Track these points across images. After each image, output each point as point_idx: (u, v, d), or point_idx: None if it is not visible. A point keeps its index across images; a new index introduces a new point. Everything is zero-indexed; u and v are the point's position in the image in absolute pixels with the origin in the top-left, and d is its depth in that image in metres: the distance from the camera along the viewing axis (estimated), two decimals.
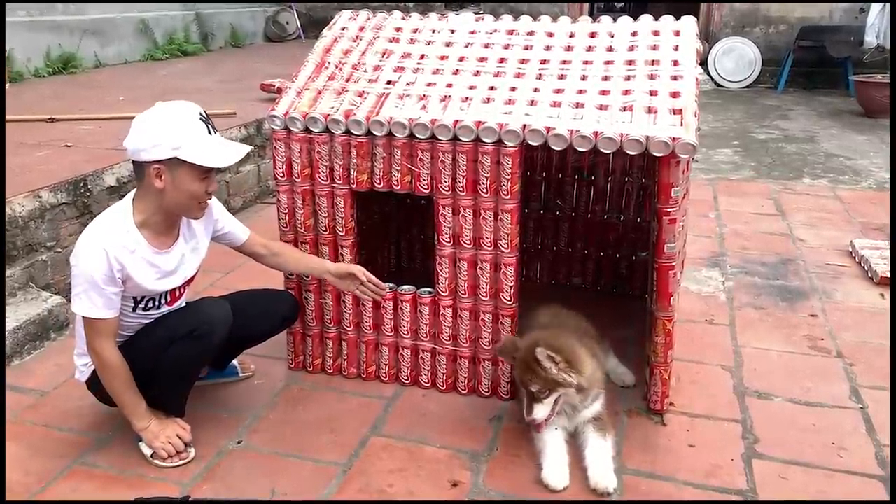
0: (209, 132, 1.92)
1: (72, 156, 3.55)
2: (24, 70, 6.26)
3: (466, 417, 2.27)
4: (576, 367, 1.96)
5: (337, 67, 2.40)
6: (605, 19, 2.52)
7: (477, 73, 2.30)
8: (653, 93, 2.09)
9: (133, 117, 1.94)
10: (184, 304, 2.15)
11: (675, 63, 2.21)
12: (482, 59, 2.36)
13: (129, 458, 2.07)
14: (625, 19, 2.50)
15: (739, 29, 8.74)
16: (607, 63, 2.27)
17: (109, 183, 3.30)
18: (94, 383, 2.08)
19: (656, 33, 2.38)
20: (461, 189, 2.15)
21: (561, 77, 2.24)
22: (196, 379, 2.20)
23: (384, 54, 2.44)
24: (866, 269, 3.33)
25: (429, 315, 2.34)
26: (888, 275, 3.18)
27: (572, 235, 3.14)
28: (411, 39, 2.50)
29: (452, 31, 2.52)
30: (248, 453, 2.11)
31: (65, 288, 2.97)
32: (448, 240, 2.23)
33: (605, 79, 2.20)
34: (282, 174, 2.33)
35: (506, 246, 2.17)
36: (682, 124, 1.96)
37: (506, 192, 2.11)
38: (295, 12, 10.04)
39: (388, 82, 2.30)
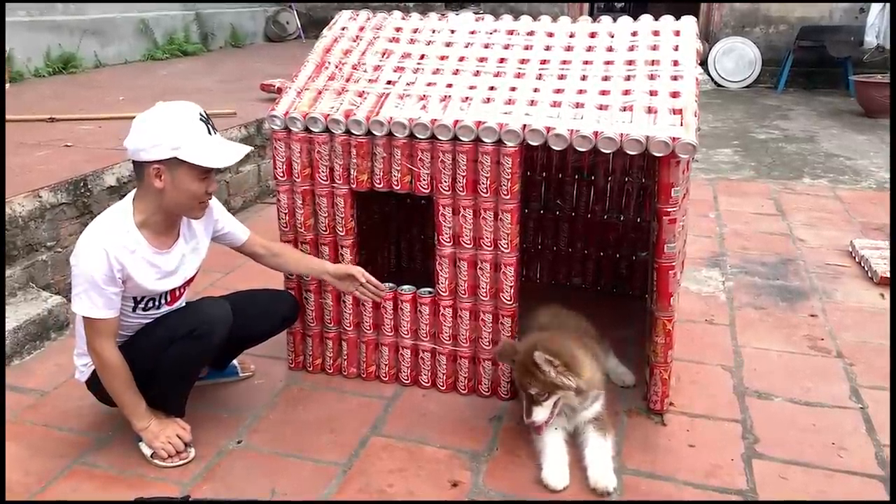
0: (209, 132, 1.92)
1: (72, 156, 3.55)
2: (24, 70, 6.26)
3: (466, 417, 2.27)
4: (574, 370, 1.96)
5: (337, 67, 2.40)
6: (605, 19, 2.52)
7: (477, 73, 2.30)
8: (653, 93, 2.09)
9: (133, 117, 1.94)
10: (184, 304, 2.15)
11: (675, 63, 2.22)
12: (482, 59, 2.36)
13: (129, 458, 2.07)
14: (625, 19, 2.50)
15: (739, 29, 8.74)
16: (607, 63, 2.27)
17: (109, 183, 3.30)
18: (94, 383, 2.08)
19: (656, 33, 2.38)
20: (461, 189, 2.16)
21: (561, 77, 2.24)
22: (196, 379, 2.20)
23: (384, 54, 2.44)
24: (866, 269, 3.33)
25: (429, 315, 2.34)
26: (888, 275, 3.18)
27: (572, 235, 3.14)
28: (411, 39, 2.50)
29: (452, 31, 2.52)
30: (248, 453, 2.11)
31: (65, 288, 2.97)
32: (448, 240, 2.23)
33: (605, 79, 2.20)
34: (282, 174, 2.33)
35: (506, 246, 2.17)
36: (682, 124, 1.96)
37: (506, 192, 2.12)
38: (295, 12, 10.04)
39: (388, 82, 2.30)
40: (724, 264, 3.47)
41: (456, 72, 2.32)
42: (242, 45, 9.42)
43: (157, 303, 2.06)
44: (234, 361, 2.47)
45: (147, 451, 2.06)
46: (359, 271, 2.27)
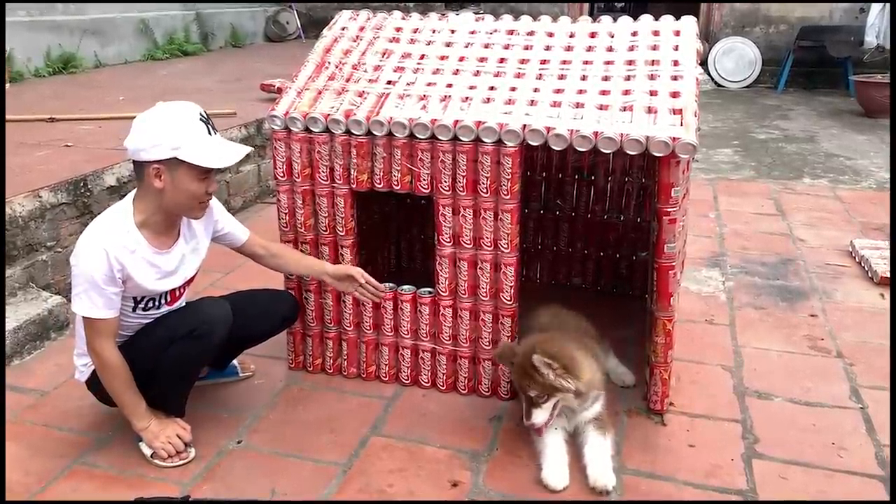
0: (209, 133, 1.92)
1: (72, 156, 3.55)
2: (24, 70, 6.26)
3: (466, 417, 2.27)
4: (573, 373, 1.95)
5: (337, 67, 2.40)
6: (606, 19, 2.52)
7: (477, 73, 2.30)
8: (653, 93, 2.09)
9: (133, 117, 1.94)
10: (184, 304, 2.15)
11: (676, 63, 2.22)
12: (482, 59, 2.36)
13: (129, 458, 2.07)
14: (625, 19, 2.50)
15: (739, 29, 8.74)
16: (607, 63, 2.27)
17: (109, 183, 3.30)
18: (94, 383, 2.08)
19: (656, 33, 2.38)
20: (461, 189, 2.16)
21: (561, 77, 2.24)
22: (196, 379, 2.20)
23: (384, 54, 2.44)
24: (866, 269, 3.33)
25: (429, 315, 2.34)
26: (888, 275, 3.18)
27: (572, 235, 3.14)
28: (411, 39, 2.50)
29: (452, 31, 2.52)
30: (248, 453, 2.11)
31: (65, 288, 2.97)
32: (448, 240, 2.23)
33: (605, 79, 2.20)
34: (282, 174, 2.33)
35: (506, 246, 2.17)
36: (682, 124, 1.96)
37: (506, 192, 2.12)
38: (295, 12, 10.04)
39: (389, 82, 2.30)
40: (724, 264, 3.47)
41: (456, 72, 2.32)
42: (242, 45, 9.42)
43: (157, 303, 2.06)
44: (234, 361, 2.47)
45: (147, 451, 2.06)
46: (358, 272, 2.27)
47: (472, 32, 2.50)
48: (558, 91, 2.17)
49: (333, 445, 2.13)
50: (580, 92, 2.15)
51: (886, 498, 1.92)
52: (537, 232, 3.18)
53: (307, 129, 2.25)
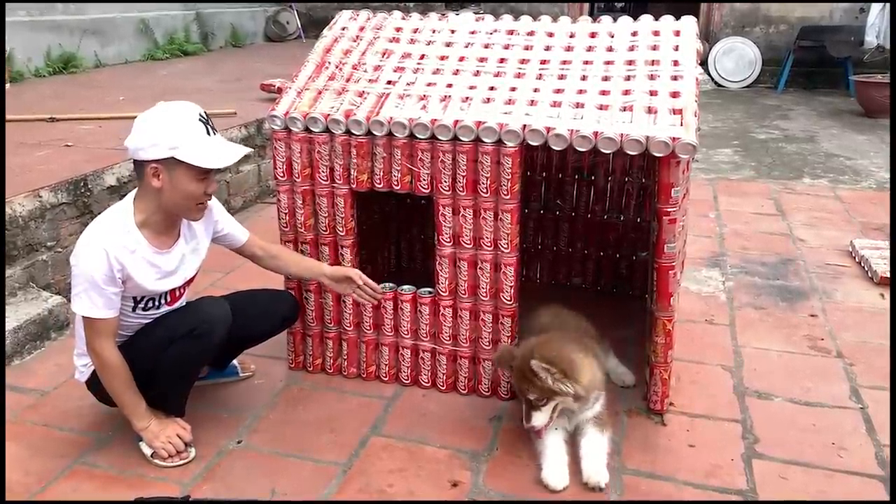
0: (208, 133, 1.92)
1: (72, 156, 3.55)
2: (24, 70, 6.26)
3: (466, 417, 2.27)
4: (572, 377, 1.95)
5: (337, 67, 2.40)
6: (606, 19, 2.52)
7: (477, 73, 2.30)
8: (653, 93, 2.09)
9: (133, 117, 1.94)
10: (184, 304, 2.15)
11: (676, 63, 2.22)
12: (482, 59, 2.36)
13: (130, 458, 2.07)
14: (625, 19, 2.50)
15: (739, 29, 8.74)
16: (607, 63, 2.27)
17: (110, 183, 3.30)
18: (93, 383, 2.08)
19: (656, 33, 2.38)
20: (461, 189, 2.16)
21: (561, 77, 2.24)
22: (196, 378, 2.20)
23: (384, 54, 2.44)
24: (866, 269, 3.33)
25: (429, 315, 2.34)
26: (888, 275, 3.18)
27: (572, 235, 3.14)
28: (411, 39, 2.50)
29: (452, 32, 2.52)
30: (248, 453, 2.11)
31: (65, 288, 2.97)
32: (448, 240, 2.23)
33: (606, 79, 2.20)
34: (282, 174, 2.33)
35: (506, 246, 2.17)
36: (682, 124, 1.96)
37: (506, 192, 2.12)
38: (295, 12, 10.04)
39: (389, 82, 2.30)
40: (724, 264, 3.47)
41: (456, 72, 2.32)
42: (242, 45, 9.42)
43: (156, 303, 2.06)
44: (234, 361, 2.47)
45: (147, 451, 2.06)
46: (356, 274, 2.27)
47: (473, 32, 2.51)
48: (558, 91, 2.17)
49: (333, 445, 2.13)
50: (580, 92, 2.15)
51: (886, 498, 1.92)
52: (537, 232, 3.18)
53: (307, 129, 2.25)
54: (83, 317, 1.93)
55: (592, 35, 2.43)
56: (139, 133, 1.88)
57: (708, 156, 5.54)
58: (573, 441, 2.07)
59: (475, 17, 2.63)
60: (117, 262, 1.89)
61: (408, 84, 2.28)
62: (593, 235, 3.11)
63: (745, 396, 2.37)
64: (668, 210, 2.03)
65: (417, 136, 2.14)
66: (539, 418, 1.97)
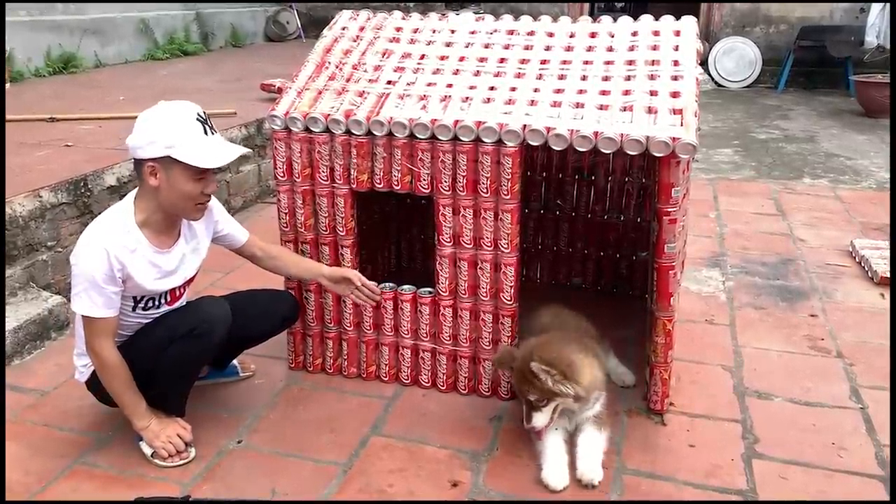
0: (206, 132, 1.92)
1: (72, 155, 3.55)
2: (24, 70, 6.26)
3: (466, 417, 2.27)
4: (572, 378, 1.94)
5: (337, 67, 2.40)
6: (606, 19, 2.52)
7: (477, 73, 2.30)
8: (653, 93, 2.09)
9: (133, 117, 1.94)
10: (184, 304, 2.15)
11: (676, 63, 2.21)
12: (482, 59, 2.36)
13: (130, 458, 2.07)
14: (625, 19, 2.50)
15: (740, 29, 8.74)
16: (607, 63, 2.27)
17: (110, 183, 3.30)
18: (93, 384, 2.08)
19: (656, 33, 2.38)
20: (461, 189, 2.16)
21: (561, 77, 2.24)
22: (196, 378, 2.20)
23: (384, 54, 2.44)
24: (866, 269, 3.33)
25: (429, 315, 2.34)
26: (888, 275, 3.18)
27: (572, 235, 3.14)
28: (411, 39, 2.50)
29: (453, 31, 2.52)
30: (249, 453, 2.11)
31: (65, 288, 2.97)
32: (448, 240, 2.23)
33: (606, 79, 2.20)
34: (282, 174, 2.33)
35: (506, 246, 2.17)
36: (682, 124, 1.96)
37: (506, 192, 2.12)
38: (295, 12, 10.04)
39: (389, 82, 2.30)
40: (725, 264, 3.47)
41: (456, 72, 2.32)
42: (242, 44, 9.42)
43: (156, 302, 2.06)
44: (234, 361, 2.47)
45: (147, 451, 2.06)
46: (354, 275, 2.27)
47: (473, 32, 2.51)
48: (558, 91, 2.17)
49: (333, 445, 2.13)
50: (580, 92, 2.15)
51: (886, 498, 1.92)
52: (537, 232, 3.18)
53: (307, 129, 2.25)
54: (83, 316, 1.93)
55: (592, 35, 2.43)
56: (138, 131, 1.89)
57: (708, 156, 5.54)
58: (572, 440, 2.07)
59: (475, 17, 2.63)
60: (117, 262, 1.89)
61: (408, 84, 2.28)
62: (593, 235, 3.11)
63: (745, 396, 2.37)
64: (669, 210, 2.03)
65: (418, 136, 2.14)
66: (539, 419, 1.97)
